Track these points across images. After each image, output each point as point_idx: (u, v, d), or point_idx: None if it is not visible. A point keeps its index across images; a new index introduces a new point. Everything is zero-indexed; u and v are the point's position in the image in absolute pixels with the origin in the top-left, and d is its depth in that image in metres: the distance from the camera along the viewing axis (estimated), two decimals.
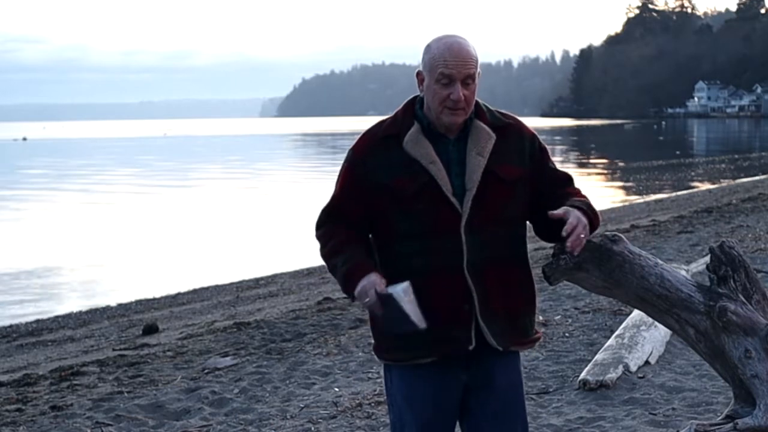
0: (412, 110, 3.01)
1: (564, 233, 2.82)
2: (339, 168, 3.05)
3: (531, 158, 3.01)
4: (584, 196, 3.03)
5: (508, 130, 3.00)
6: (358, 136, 3.04)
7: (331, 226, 3.01)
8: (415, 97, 3.03)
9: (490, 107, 3.04)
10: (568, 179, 3.09)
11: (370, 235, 3.03)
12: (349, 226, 2.98)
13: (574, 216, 2.84)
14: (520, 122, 3.06)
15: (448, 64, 2.87)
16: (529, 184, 2.99)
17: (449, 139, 2.95)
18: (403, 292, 2.76)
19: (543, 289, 8.06)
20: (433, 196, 2.89)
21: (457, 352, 2.95)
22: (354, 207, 2.97)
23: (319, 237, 3.05)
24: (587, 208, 2.91)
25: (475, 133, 2.95)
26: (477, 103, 3.01)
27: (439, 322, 2.91)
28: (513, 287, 2.98)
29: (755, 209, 16.21)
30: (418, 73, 2.97)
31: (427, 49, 2.93)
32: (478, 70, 2.94)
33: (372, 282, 2.83)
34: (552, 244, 3.09)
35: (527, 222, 3.06)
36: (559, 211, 2.85)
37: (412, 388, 3.01)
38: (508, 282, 2.97)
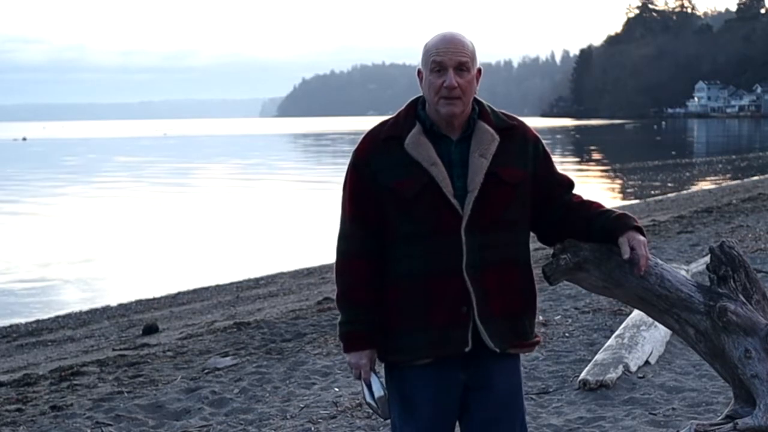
0: (414, 111, 3.00)
1: (627, 258, 2.91)
2: (339, 167, 3.06)
3: (534, 162, 3.00)
4: (601, 206, 3.05)
5: (512, 133, 2.99)
6: (361, 138, 3.02)
7: (351, 244, 2.99)
8: (417, 98, 3.03)
9: (495, 109, 3.03)
10: (570, 185, 3.09)
11: None
12: (368, 238, 2.95)
13: (636, 242, 2.91)
14: (524, 125, 3.05)
15: (440, 51, 2.90)
16: (531, 187, 2.99)
17: (452, 140, 2.94)
18: (378, 400, 3.03)
19: (543, 289, 8.05)
20: (434, 197, 2.88)
21: (454, 353, 2.94)
22: (368, 207, 2.95)
23: (338, 251, 3.04)
24: (627, 219, 2.96)
25: (479, 135, 2.94)
26: (481, 104, 3.01)
27: (436, 324, 2.92)
28: (513, 290, 2.97)
29: (755, 209, 16.19)
30: (419, 72, 2.99)
31: (424, 46, 2.97)
32: (477, 65, 2.94)
33: (360, 365, 3.02)
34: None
35: (530, 227, 3.05)
36: (626, 249, 2.91)
37: (411, 388, 3.01)
38: (508, 285, 2.96)
